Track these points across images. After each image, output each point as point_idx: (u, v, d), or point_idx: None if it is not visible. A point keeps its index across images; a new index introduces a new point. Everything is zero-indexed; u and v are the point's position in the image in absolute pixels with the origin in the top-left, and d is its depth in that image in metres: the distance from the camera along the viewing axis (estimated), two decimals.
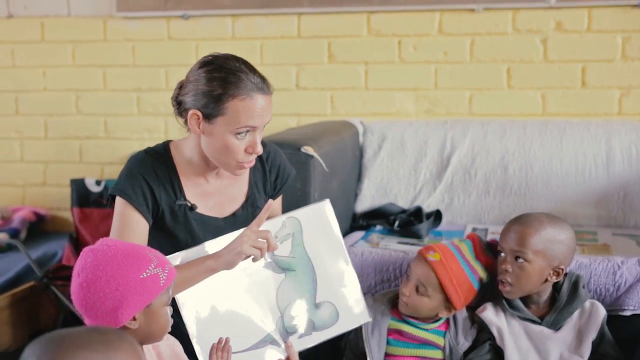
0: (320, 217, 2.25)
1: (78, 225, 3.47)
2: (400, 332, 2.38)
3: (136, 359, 1.33)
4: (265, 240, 2.01)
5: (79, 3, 3.79)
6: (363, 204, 3.27)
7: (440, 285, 2.30)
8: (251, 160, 2.08)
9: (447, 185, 3.24)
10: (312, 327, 2.20)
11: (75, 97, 3.85)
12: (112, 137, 3.82)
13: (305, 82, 3.62)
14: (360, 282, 2.39)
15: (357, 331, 2.37)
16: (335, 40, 3.57)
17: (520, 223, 2.27)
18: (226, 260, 1.99)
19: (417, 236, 2.94)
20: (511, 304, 2.30)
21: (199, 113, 2.02)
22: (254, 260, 2.01)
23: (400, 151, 3.30)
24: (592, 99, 3.37)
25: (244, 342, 2.08)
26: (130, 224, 2.05)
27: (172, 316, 1.81)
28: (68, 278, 3.13)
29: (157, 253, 1.76)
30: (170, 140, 2.19)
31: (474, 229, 3.07)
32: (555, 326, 2.27)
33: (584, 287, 2.31)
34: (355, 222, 3.19)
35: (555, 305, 2.28)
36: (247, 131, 2.02)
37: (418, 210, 3.13)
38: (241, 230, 2.05)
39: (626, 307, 2.38)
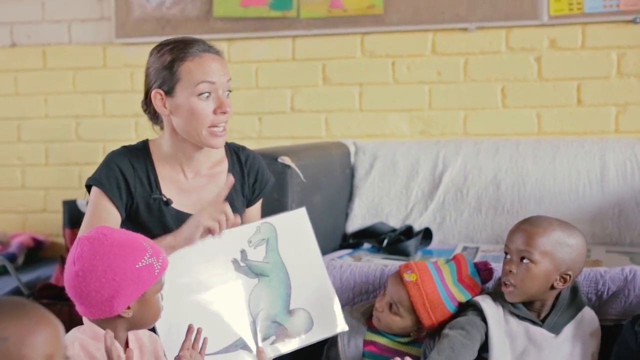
0: (296, 224, 2.23)
1: (70, 246, 3.47)
2: (375, 344, 2.33)
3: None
4: (223, 214, 2.01)
5: (79, 31, 3.85)
6: (354, 224, 3.23)
7: (412, 307, 2.25)
8: (223, 126, 2.10)
9: (438, 204, 3.19)
10: (285, 333, 2.17)
11: (75, 123, 3.88)
12: None
13: (300, 104, 3.62)
14: (339, 294, 2.37)
15: (336, 344, 2.33)
16: (330, 63, 3.57)
17: (530, 223, 2.16)
18: (185, 236, 2.00)
19: (405, 254, 2.89)
20: (512, 302, 2.18)
21: (160, 91, 2.08)
22: (213, 233, 2.01)
23: (391, 170, 3.27)
24: (588, 116, 3.31)
25: (215, 345, 2.05)
26: (102, 214, 2.07)
27: None
28: (54, 297, 3.15)
29: (151, 242, 1.79)
30: (149, 140, 2.23)
31: (465, 248, 3.01)
32: (556, 330, 2.16)
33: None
34: (345, 241, 3.15)
35: (555, 308, 2.17)
36: (209, 93, 2.06)
37: (408, 229, 3.08)
38: None
39: (609, 317, 2.30)
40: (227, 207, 2.02)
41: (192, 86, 2.04)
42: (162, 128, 2.18)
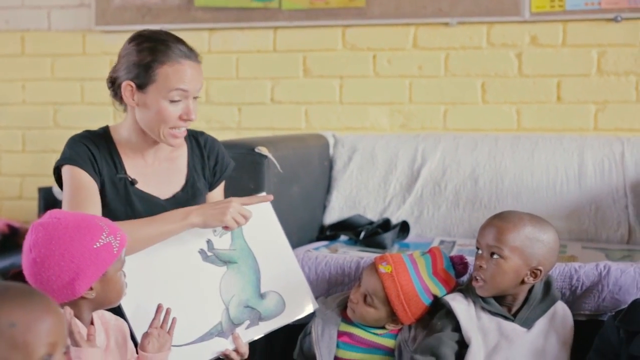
0: (258, 210, 2.23)
1: None
2: (349, 335, 2.32)
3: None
4: (244, 219, 2.12)
5: (59, 17, 3.82)
6: (331, 216, 3.22)
7: (387, 299, 2.24)
8: (183, 129, 2.14)
9: (416, 197, 3.18)
10: (259, 317, 2.19)
11: (53, 110, 3.86)
12: None
13: (280, 96, 3.61)
14: (314, 286, 2.40)
15: (310, 335, 2.33)
16: (310, 54, 3.57)
17: (500, 219, 2.16)
18: (206, 222, 2.09)
19: (382, 246, 2.89)
20: (483, 298, 2.18)
21: (132, 84, 2.09)
22: (226, 229, 2.14)
23: (370, 163, 3.26)
24: (567, 114, 3.32)
25: (190, 335, 2.07)
26: (81, 185, 2.07)
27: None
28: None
29: (107, 221, 1.78)
30: (109, 126, 2.24)
31: (442, 242, 3.01)
32: (528, 324, 2.16)
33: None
34: (322, 234, 3.14)
35: (527, 302, 2.17)
36: (180, 99, 2.09)
37: (386, 222, 3.08)
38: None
39: (582, 312, 2.31)
40: (249, 212, 2.13)
41: (166, 91, 2.07)
42: (125, 109, 2.19)
